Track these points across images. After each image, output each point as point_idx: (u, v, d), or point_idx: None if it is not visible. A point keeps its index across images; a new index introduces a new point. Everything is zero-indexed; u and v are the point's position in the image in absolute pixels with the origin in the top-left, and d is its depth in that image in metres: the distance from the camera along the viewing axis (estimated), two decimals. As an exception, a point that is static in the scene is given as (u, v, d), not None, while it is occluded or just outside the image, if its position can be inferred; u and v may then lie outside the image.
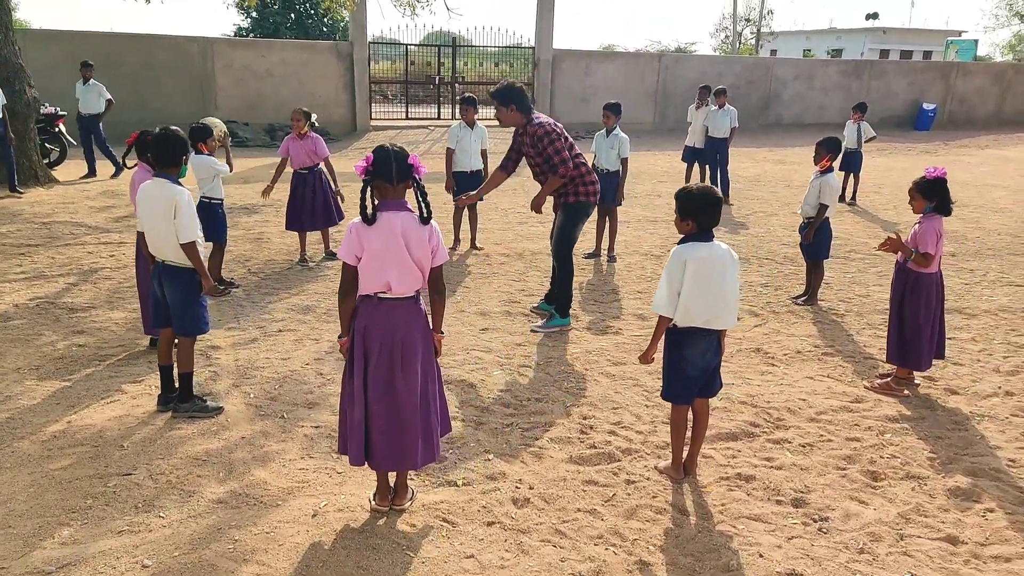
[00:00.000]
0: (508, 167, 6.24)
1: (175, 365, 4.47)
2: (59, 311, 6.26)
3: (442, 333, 3.48)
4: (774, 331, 6.26)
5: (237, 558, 3.11)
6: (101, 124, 12.92)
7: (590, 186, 6.02)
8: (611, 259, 8.44)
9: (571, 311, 6.38)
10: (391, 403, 3.27)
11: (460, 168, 8.41)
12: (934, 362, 5.18)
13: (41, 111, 12.70)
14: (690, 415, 3.91)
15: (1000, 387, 5.15)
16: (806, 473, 3.99)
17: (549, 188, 5.98)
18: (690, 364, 3.74)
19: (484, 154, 8.60)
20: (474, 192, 6.65)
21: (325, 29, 40.29)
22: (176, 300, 4.31)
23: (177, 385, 4.47)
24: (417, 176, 3.25)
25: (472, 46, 21.91)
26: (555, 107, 21.92)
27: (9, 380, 4.88)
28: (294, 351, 5.55)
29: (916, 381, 5.17)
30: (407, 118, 21.27)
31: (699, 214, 3.64)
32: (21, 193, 10.96)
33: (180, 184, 4.28)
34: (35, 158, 11.80)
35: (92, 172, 12.96)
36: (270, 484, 3.70)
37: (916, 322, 4.96)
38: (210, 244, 6.42)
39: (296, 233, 8.14)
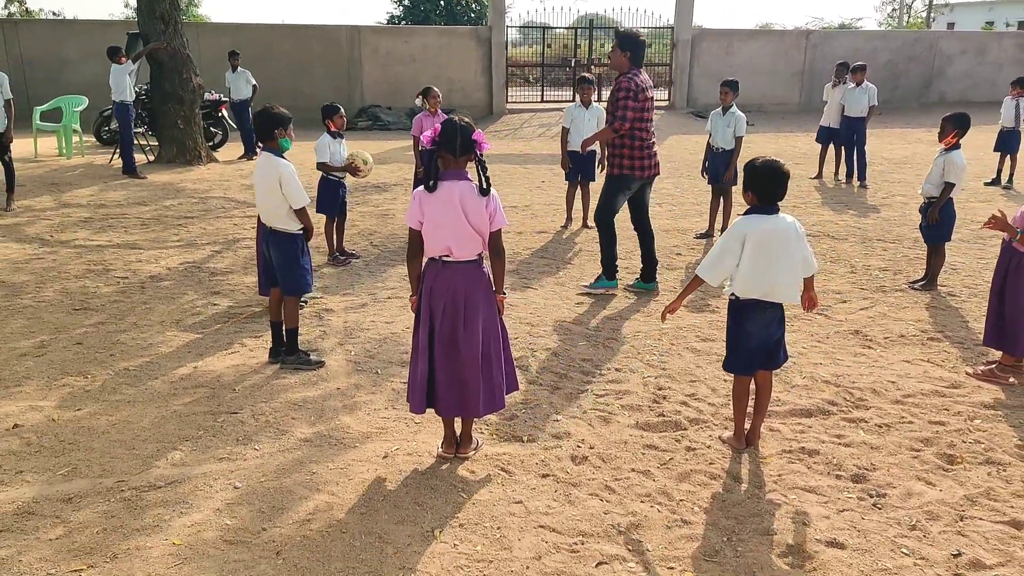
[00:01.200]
0: (611, 122, 6.25)
1: (283, 322, 4.97)
2: (202, 274, 7.02)
3: (503, 294, 3.71)
4: (880, 314, 6.04)
5: (311, 487, 3.51)
6: (250, 108, 14.05)
7: (639, 161, 6.12)
8: (723, 239, 8.34)
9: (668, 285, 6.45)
10: (455, 357, 3.55)
11: (573, 148, 8.59)
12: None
13: (206, 97, 14.00)
14: (753, 387, 3.95)
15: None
16: (876, 452, 3.92)
17: (601, 136, 6.45)
18: (751, 336, 3.77)
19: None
20: (588, 139, 6.71)
21: (473, 15, 41.26)
22: (281, 262, 4.80)
23: (285, 339, 4.97)
24: (479, 151, 3.49)
25: (608, 28, 21.81)
26: (693, 87, 21.51)
27: (153, 331, 5.59)
28: (398, 316, 5.97)
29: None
30: (542, 100, 21.56)
31: (760, 187, 3.66)
32: (143, 177, 11.65)
33: (284, 158, 4.74)
34: (199, 140, 13.04)
35: (249, 152, 14.12)
36: (352, 429, 4.09)
37: (1017, 305, 4.68)
38: (322, 216, 6.99)
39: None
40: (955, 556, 3.09)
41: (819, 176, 12.18)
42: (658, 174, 6.40)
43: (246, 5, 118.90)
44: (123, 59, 11.44)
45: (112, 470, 3.65)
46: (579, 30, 21.45)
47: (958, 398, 4.56)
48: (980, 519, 3.35)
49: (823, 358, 5.16)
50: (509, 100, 21.19)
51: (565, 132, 8.67)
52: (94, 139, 14.80)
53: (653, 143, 6.25)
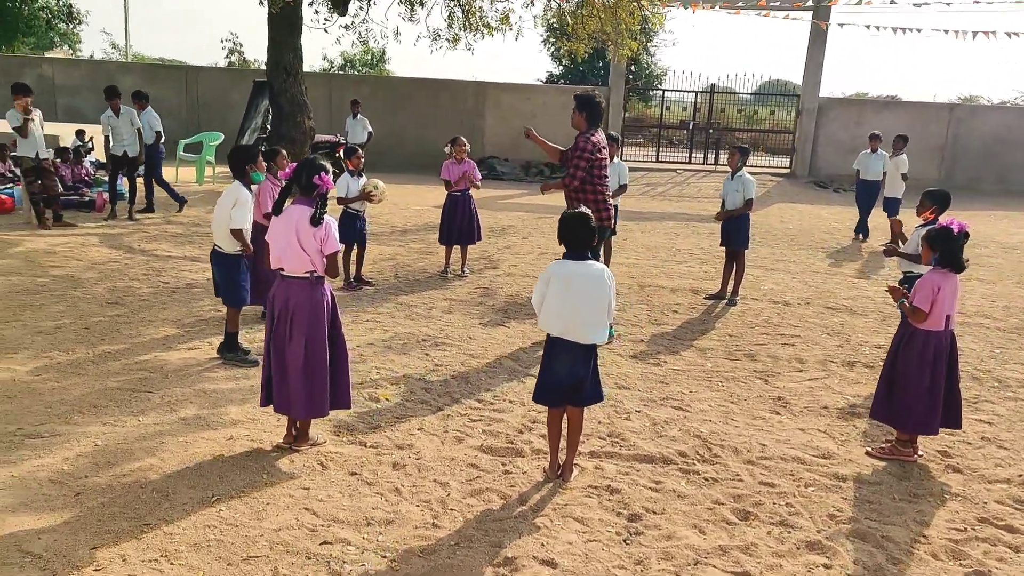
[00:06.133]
0: (563, 176, 6.56)
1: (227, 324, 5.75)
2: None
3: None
4: (824, 386, 5.94)
5: (150, 452, 4.18)
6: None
7: (603, 213, 6.41)
8: (731, 302, 8.36)
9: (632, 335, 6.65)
10: (283, 361, 4.13)
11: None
12: (946, 432, 4.70)
13: (324, 139, 15.59)
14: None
15: (1019, 476, 4.50)
16: (677, 500, 4.04)
17: (557, 186, 6.64)
18: (555, 371, 4.05)
19: (623, 188, 9.11)
20: (549, 183, 7.08)
21: (631, 77, 42.16)
22: (221, 278, 5.60)
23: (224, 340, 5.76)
24: (321, 189, 4.08)
25: (730, 92, 21.80)
26: (817, 156, 20.98)
27: (153, 325, 6.55)
28: (361, 336, 6.60)
29: (920, 451, 4.73)
30: (657, 161, 21.80)
31: (565, 236, 3.98)
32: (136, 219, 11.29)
33: (248, 188, 5.54)
34: (305, 176, 14.53)
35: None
36: (228, 416, 4.74)
37: (906, 379, 4.58)
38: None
39: (444, 247, 9.30)
40: (648, 590, 3.23)
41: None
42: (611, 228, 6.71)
43: (429, 62, 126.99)
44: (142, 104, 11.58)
45: (21, 421, 4.51)
46: (699, 94, 21.58)
47: (816, 467, 4.52)
48: (713, 567, 3.44)
49: (718, 417, 5.22)
50: (624, 158, 21.60)
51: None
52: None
53: (609, 197, 6.61)
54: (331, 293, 4.28)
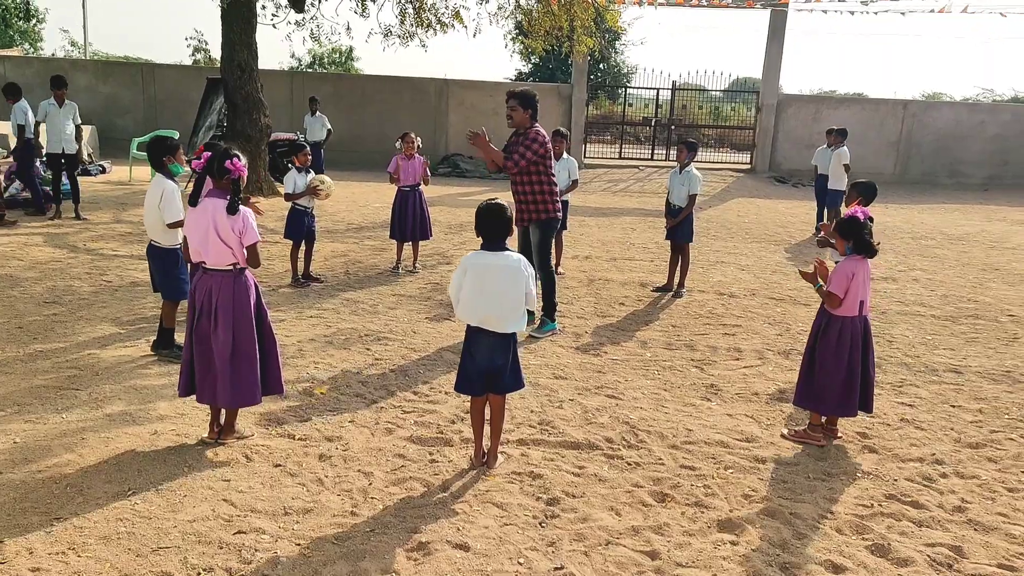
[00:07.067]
0: (507, 159, 6.49)
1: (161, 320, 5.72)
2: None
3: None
4: (757, 373, 6.05)
5: (69, 448, 4.17)
6: (323, 150, 15.34)
7: (550, 205, 6.54)
8: (678, 294, 8.47)
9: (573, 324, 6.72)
10: (207, 352, 4.13)
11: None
12: (864, 415, 4.82)
13: (281, 137, 15.50)
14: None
15: (932, 455, 4.63)
16: (598, 484, 4.10)
17: (494, 160, 6.45)
18: (474, 360, 4.09)
19: (574, 184, 9.21)
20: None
21: (599, 75, 42.38)
22: (158, 272, 5.57)
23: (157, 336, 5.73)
24: (232, 175, 4.08)
25: (689, 88, 22.00)
26: (777, 152, 21.26)
27: (90, 324, 6.49)
28: (303, 332, 6.59)
29: (839, 433, 4.84)
30: (620, 157, 21.96)
31: (481, 227, 4.03)
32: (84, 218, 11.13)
33: (171, 179, 5.53)
34: (262, 173, 14.42)
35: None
36: (156, 411, 4.73)
37: (824, 365, 4.69)
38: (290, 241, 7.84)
39: (396, 243, 9.30)
40: (556, 569, 3.29)
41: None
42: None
43: (398, 61, 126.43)
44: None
45: (-59, 418, 4.46)
46: (660, 90, 21.76)
47: (739, 450, 4.61)
48: (624, 547, 3.50)
49: (649, 404, 5.30)
50: (587, 155, 21.74)
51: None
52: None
53: (556, 189, 6.74)
54: (254, 282, 4.28)
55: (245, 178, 4.15)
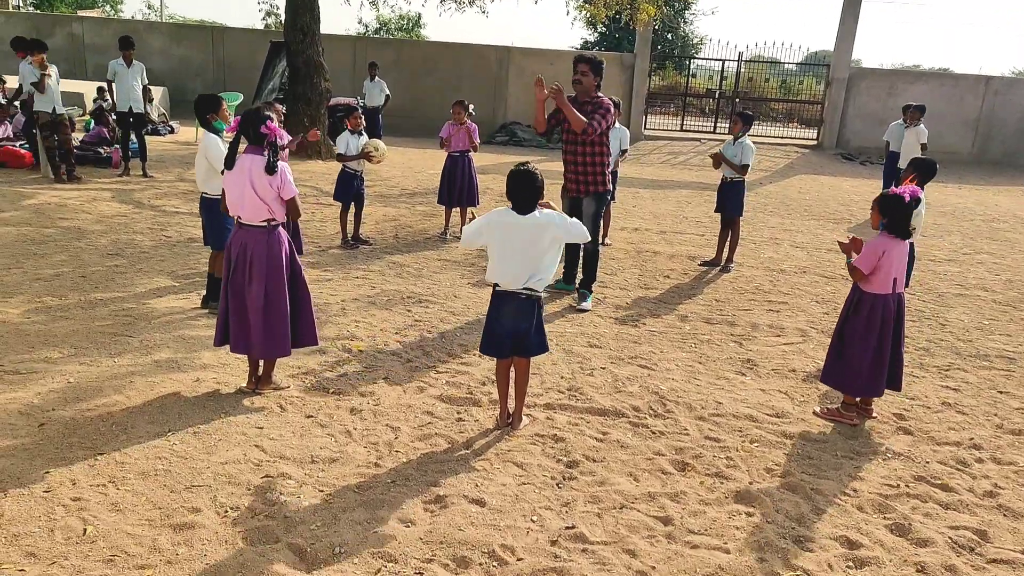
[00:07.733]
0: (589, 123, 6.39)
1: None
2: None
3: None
4: (797, 350, 5.96)
5: (117, 389, 4.39)
6: (380, 115, 15.50)
7: (600, 178, 6.69)
8: (725, 269, 8.36)
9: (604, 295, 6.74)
10: (241, 305, 4.30)
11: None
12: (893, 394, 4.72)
13: (341, 102, 15.71)
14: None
15: (970, 440, 4.51)
16: (620, 450, 4.14)
17: (572, 116, 6.24)
18: (499, 323, 4.15)
19: (623, 154, 9.14)
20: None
21: (664, 45, 41.59)
22: (208, 222, 5.78)
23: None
24: (270, 138, 4.20)
25: (757, 60, 21.41)
26: (847, 128, 20.59)
27: (147, 276, 6.78)
28: (347, 291, 6.76)
29: (874, 414, 4.76)
30: (682, 129, 21.57)
31: (511, 192, 4.05)
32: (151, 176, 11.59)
33: (216, 133, 5.68)
34: (320, 136, 14.64)
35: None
36: (200, 360, 4.94)
37: (853, 343, 4.61)
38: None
39: (444, 209, 9.39)
40: (567, 528, 3.35)
41: None
42: None
43: (464, 29, 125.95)
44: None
45: (2, 358, 4.74)
46: (726, 62, 21.23)
47: (767, 424, 4.58)
48: (637, 511, 3.54)
49: (681, 376, 5.29)
50: (648, 127, 21.43)
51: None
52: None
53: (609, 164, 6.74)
54: (287, 239, 4.41)
55: (282, 136, 4.27)
